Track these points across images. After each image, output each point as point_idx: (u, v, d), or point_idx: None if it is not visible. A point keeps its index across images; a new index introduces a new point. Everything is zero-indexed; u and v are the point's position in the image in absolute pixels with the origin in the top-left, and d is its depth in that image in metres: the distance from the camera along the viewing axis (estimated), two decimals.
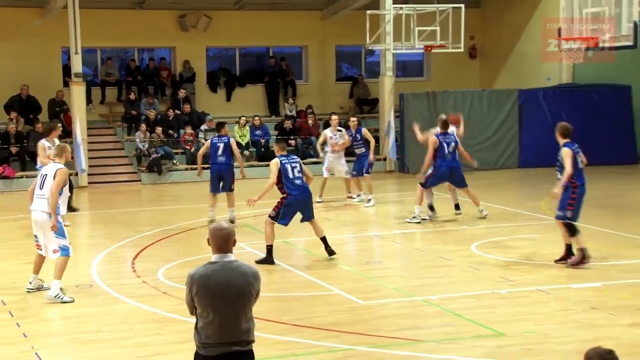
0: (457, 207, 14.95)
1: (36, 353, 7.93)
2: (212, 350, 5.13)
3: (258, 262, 11.17)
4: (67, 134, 21.30)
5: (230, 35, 24.43)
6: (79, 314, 9.29)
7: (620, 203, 16.94)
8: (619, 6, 14.11)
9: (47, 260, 9.97)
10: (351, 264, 11.63)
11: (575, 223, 11.10)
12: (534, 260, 11.51)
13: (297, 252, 12.78)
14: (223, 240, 5.22)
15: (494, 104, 22.39)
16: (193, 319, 5.28)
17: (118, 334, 8.52)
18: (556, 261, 11.17)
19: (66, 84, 21.98)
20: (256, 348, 5.30)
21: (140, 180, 21.07)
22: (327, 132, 17.20)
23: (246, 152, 22.15)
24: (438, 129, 14.44)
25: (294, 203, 11.29)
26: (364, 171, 16.57)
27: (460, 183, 14.48)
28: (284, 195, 11.30)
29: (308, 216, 11.56)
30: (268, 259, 11.30)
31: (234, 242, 5.29)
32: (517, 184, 20.82)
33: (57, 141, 13.83)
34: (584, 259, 10.90)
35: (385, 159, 22.01)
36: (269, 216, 11.39)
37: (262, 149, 22.29)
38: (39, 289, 9.98)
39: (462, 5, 19.88)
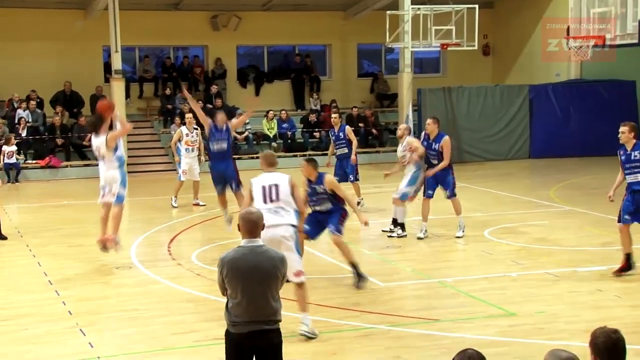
0: (396, 223, 12.21)
1: (80, 329, 8.00)
2: (241, 327, 5.14)
3: None
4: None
5: (258, 35, 24.41)
6: (119, 294, 9.36)
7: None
8: (625, 6, 13.93)
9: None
10: (372, 248, 11.60)
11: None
12: (543, 245, 11.42)
13: (321, 237, 12.76)
14: (252, 225, 5.23)
15: (506, 99, 22.23)
16: (224, 299, 5.29)
17: (155, 312, 8.56)
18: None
19: (107, 80, 22.10)
20: (283, 327, 5.30)
21: (175, 170, 21.10)
22: (184, 130, 15.40)
23: (274, 144, 22.17)
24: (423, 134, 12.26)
25: None
26: (349, 179, 13.89)
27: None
28: None
29: None
30: None
31: (263, 227, 5.29)
32: (528, 173, 20.66)
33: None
34: None
35: None
36: None
37: (289, 141, 22.29)
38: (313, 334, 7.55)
39: (476, 6, 19.72)
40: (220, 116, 12.64)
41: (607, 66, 21.91)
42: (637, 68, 22.39)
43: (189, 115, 15.64)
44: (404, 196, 12.08)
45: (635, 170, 9.26)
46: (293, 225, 7.71)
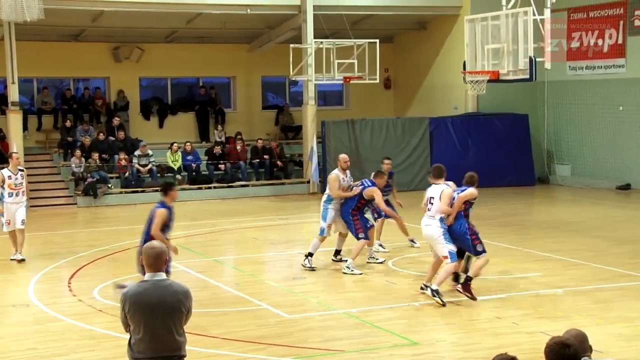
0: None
1: None
2: None
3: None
4: (3, 160, 20.73)
5: (162, 66, 24.20)
6: (15, 333, 8.99)
7: (521, 221, 17.35)
8: (516, 43, 14.54)
9: None
10: (278, 280, 11.58)
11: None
12: None
13: (227, 270, 12.67)
14: (155, 259, 5.15)
15: (408, 131, 22.75)
16: (127, 336, 5.17)
17: (53, 350, 8.27)
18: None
19: (3, 112, 21.38)
20: None
21: (76, 204, 20.59)
22: (5, 172, 13.10)
23: (178, 176, 21.92)
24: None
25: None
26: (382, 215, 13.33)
27: None
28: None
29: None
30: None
31: (166, 261, 5.22)
32: None
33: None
34: None
35: (308, 182, 22.08)
36: None
37: (194, 173, 22.09)
38: None
39: (377, 41, 20.20)
40: None
41: (501, 100, 22.82)
42: (530, 102, 23.43)
43: (16, 154, 13.56)
44: (322, 232, 12.09)
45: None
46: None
